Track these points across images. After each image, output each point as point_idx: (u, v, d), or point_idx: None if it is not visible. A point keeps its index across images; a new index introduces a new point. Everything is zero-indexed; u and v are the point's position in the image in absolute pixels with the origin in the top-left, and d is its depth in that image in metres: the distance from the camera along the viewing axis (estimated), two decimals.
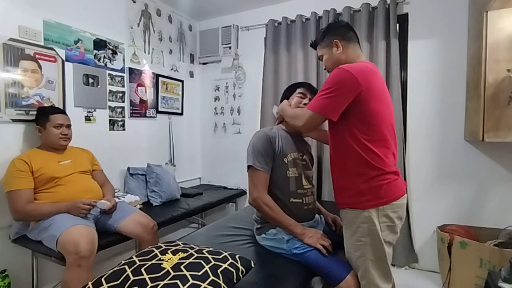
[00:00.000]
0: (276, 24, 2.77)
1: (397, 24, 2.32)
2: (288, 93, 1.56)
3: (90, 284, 0.93)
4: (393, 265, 2.35)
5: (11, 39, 1.76)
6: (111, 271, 0.97)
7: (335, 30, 1.33)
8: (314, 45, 1.42)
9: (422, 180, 2.34)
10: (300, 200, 1.44)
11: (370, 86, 1.16)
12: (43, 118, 1.75)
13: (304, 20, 2.65)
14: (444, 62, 2.25)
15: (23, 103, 1.83)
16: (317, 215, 1.56)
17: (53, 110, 1.83)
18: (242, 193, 2.98)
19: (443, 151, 2.27)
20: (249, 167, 1.41)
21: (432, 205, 2.31)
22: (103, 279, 0.93)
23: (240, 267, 1.07)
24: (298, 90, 1.53)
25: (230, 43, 3.00)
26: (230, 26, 2.99)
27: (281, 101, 1.57)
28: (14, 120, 1.79)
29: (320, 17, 2.57)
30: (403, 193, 1.22)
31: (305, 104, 1.47)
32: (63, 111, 1.88)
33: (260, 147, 1.39)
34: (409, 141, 2.37)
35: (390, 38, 2.30)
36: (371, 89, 1.16)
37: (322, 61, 1.38)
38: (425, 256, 2.33)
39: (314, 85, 2.53)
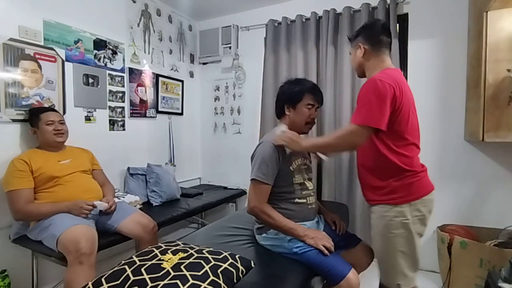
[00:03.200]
0: (276, 24, 2.77)
1: (397, 24, 2.32)
2: (291, 100, 1.44)
3: (90, 284, 0.93)
4: None
5: (11, 39, 1.76)
6: (111, 271, 0.97)
7: (367, 32, 1.35)
8: (350, 39, 1.46)
9: None
10: (305, 200, 1.44)
11: (401, 95, 1.20)
12: (35, 118, 1.76)
13: (304, 20, 2.65)
14: (444, 62, 2.25)
15: (23, 103, 1.83)
16: (317, 215, 1.56)
17: (43, 109, 1.83)
18: (242, 193, 2.98)
19: (443, 151, 2.27)
20: (252, 179, 1.39)
21: None
22: (103, 279, 0.93)
23: (240, 267, 1.07)
24: (306, 101, 1.42)
25: (230, 43, 3.00)
26: (230, 26, 2.99)
27: (279, 103, 1.49)
28: (14, 120, 1.79)
29: (320, 17, 2.57)
30: (432, 189, 1.31)
31: (312, 118, 1.45)
32: (53, 109, 1.88)
33: (267, 160, 1.36)
34: None
35: (390, 38, 2.30)
36: (402, 98, 1.20)
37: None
38: (425, 256, 2.31)
39: None
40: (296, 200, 1.42)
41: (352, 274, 1.23)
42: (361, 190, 1.42)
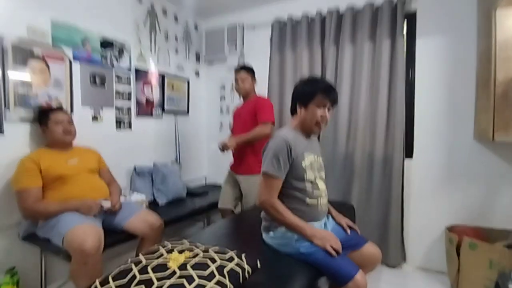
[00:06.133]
0: (281, 24, 2.76)
1: (405, 22, 2.29)
2: (303, 99, 1.44)
3: (97, 282, 0.93)
4: (395, 267, 2.33)
5: (20, 40, 1.78)
6: (118, 269, 0.98)
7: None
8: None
9: (430, 180, 2.31)
10: (315, 202, 1.42)
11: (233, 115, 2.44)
12: (44, 118, 1.78)
13: (309, 19, 2.63)
14: (453, 60, 2.21)
15: (32, 102, 1.85)
16: (325, 216, 1.54)
17: (52, 108, 1.85)
18: None
19: (452, 151, 2.24)
20: (263, 173, 1.38)
21: (440, 206, 2.27)
22: (110, 278, 0.94)
23: (246, 267, 1.06)
24: (318, 100, 1.40)
25: (235, 42, 3.00)
26: (236, 25, 2.99)
27: (293, 100, 1.49)
28: (23, 120, 1.81)
29: (324, 17, 2.55)
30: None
31: (323, 118, 1.42)
32: (62, 109, 1.90)
33: (278, 154, 1.35)
34: (417, 140, 2.34)
35: (396, 36, 2.27)
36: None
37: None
38: (433, 256, 2.29)
39: None
40: (307, 200, 1.40)
41: (359, 275, 1.21)
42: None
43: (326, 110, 1.43)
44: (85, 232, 1.48)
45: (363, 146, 2.42)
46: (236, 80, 2.31)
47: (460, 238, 1.93)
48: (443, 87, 2.25)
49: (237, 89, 2.35)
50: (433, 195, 2.30)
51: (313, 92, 1.41)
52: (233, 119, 2.47)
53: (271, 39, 2.84)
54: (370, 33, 2.37)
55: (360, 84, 2.41)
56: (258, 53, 2.98)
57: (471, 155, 2.17)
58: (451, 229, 2.12)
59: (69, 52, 2.04)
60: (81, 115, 2.11)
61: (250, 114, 2.23)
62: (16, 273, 1.70)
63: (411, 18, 2.33)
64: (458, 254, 1.93)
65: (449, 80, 2.23)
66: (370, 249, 1.49)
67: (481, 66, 2.00)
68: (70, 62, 2.05)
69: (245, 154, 2.25)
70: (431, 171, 2.31)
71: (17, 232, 1.76)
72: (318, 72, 2.58)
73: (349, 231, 1.53)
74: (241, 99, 2.43)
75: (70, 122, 1.85)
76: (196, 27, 3.23)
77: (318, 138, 2.60)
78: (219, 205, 2.39)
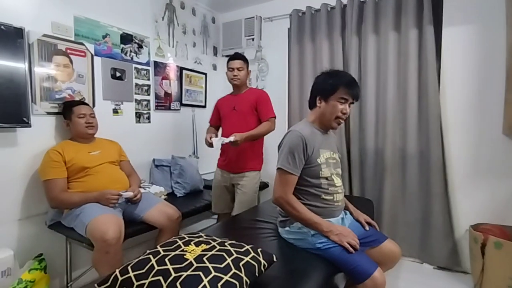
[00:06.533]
0: (300, 14, 2.70)
1: (431, 10, 2.17)
2: (324, 93, 1.40)
3: (117, 271, 0.96)
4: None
5: (45, 35, 1.84)
6: (137, 260, 1.00)
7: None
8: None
9: (456, 176, 2.22)
10: (332, 197, 1.41)
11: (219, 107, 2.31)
12: (68, 111, 1.84)
13: (329, 9, 2.56)
14: (482, 50, 2.09)
15: (56, 96, 1.91)
16: (343, 211, 1.52)
17: (75, 102, 1.91)
18: (265, 186, 2.97)
19: (479, 145, 2.13)
20: (278, 168, 1.37)
21: (465, 203, 2.18)
22: (129, 267, 0.96)
23: (262, 261, 1.06)
24: (339, 94, 1.36)
25: (253, 35, 2.97)
26: (253, 17, 2.95)
27: (312, 94, 1.46)
28: (48, 113, 1.88)
29: (345, 6, 2.47)
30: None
31: (344, 113, 1.38)
32: (84, 103, 1.95)
33: (294, 150, 1.33)
34: (442, 134, 2.24)
35: (423, 25, 2.17)
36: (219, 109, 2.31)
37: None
38: (456, 256, 2.21)
39: None
40: (323, 196, 1.39)
41: (378, 273, 1.19)
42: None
43: (347, 105, 1.39)
44: (107, 223, 1.53)
45: (394, 141, 2.33)
46: (232, 70, 2.10)
47: (485, 237, 1.85)
48: (471, 79, 2.14)
49: (231, 79, 2.13)
50: (458, 192, 2.21)
51: (336, 85, 1.37)
52: (223, 112, 2.24)
53: (289, 30, 2.80)
54: (395, 22, 2.28)
55: (386, 77, 2.33)
56: (276, 45, 2.94)
57: (499, 150, 2.06)
58: (476, 227, 2.03)
59: (91, 47, 2.09)
60: (102, 109, 2.16)
61: (250, 107, 2.09)
62: (43, 259, 1.79)
63: (438, 5, 2.21)
64: (483, 254, 1.85)
65: (477, 71, 2.11)
66: (390, 246, 1.45)
67: (510, 57, 1.88)
68: (92, 57, 2.10)
69: (244, 152, 2.11)
70: (456, 166, 2.22)
71: (44, 220, 1.84)
72: (339, 64, 2.51)
73: (367, 227, 1.49)
74: (232, 90, 2.25)
75: (92, 115, 1.91)
76: (213, 20, 3.22)
77: (347, 133, 2.54)
78: (215, 210, 2.27)
